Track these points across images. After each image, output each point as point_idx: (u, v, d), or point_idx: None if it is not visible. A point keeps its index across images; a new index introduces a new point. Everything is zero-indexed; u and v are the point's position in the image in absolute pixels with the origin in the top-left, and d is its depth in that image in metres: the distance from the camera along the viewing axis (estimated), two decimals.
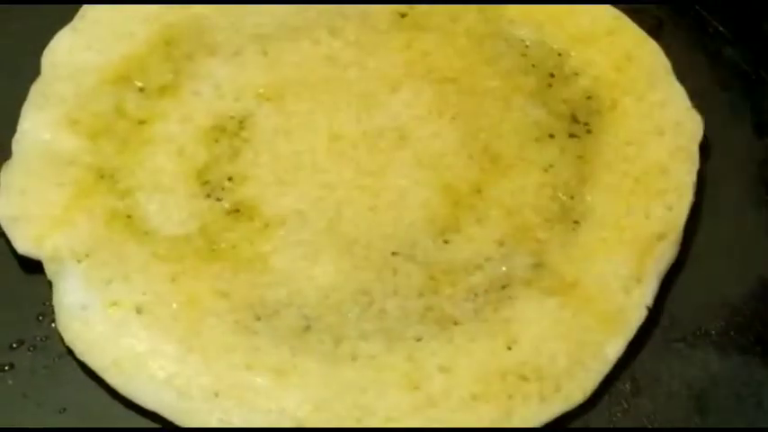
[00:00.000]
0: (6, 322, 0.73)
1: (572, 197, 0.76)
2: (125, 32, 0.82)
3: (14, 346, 0.72)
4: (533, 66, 0.82)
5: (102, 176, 0.76)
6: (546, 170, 0.77)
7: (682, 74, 0.82)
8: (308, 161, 0.77)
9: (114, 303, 0.71)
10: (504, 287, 0.73)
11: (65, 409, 0.70)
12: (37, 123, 0.78)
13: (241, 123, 0.79)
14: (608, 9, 0.85)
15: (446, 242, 0.74)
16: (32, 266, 0.74)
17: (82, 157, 0.77)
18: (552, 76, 0.82)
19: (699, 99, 0.81)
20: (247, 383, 0.69)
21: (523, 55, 0.82)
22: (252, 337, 0.70)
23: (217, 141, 0.78)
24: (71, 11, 0.83)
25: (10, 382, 0.71)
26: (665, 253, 0.74)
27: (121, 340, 0.70)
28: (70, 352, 0.71)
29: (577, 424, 0.70)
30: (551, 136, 0.79)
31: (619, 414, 0.70)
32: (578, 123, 0.80)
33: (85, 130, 0.78)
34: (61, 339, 0.71)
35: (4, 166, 0.77)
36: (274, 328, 0.71)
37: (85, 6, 0.84)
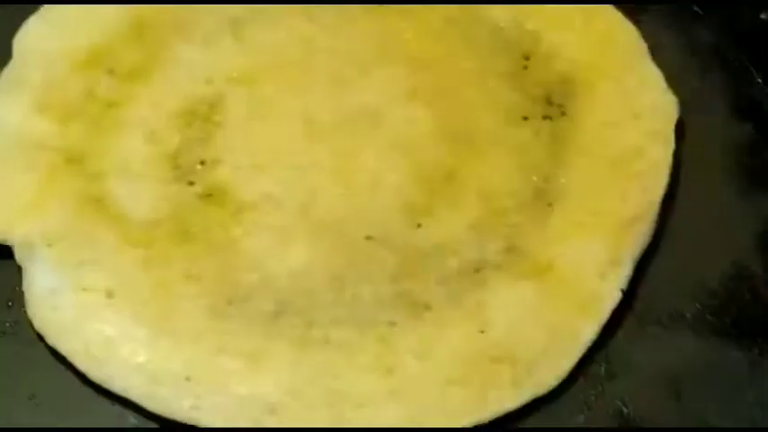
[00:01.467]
0: None
1: (546, 180, 0.76)
2: (96, 17, 0.81)
3: None
4: (509, 48, 0.81)
5: (72, 160, 0.75)
6: (520, 153, 0.77)
7: (660, 57, 0.82)
8: (280, 145, 0.77)
9: (85, 288, 0.71)
10: (477, 271, 0.72)
11: (35, 396, 0.69)
12: (7, 108, 0.77)
13: (213, 107, 0.78)
14: None
15: (419, 226, 0.74)
16: (2, 251, 0.73)
17: (52, 141, 0.76)
18: (527, 58, 0.81)
19: (677, 82, 0.80)
20: (219, 367, 0.68)
21: (499, 37, 0.82)
22: (224, 321, 0.70)
23: (189, 125, 0.78)
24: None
25: None
26: (640, 236, 0.74)
27: (92, 325, 0.70)
28: (40, 338, 0.70)
29: (552, 407, 0.69)
30: (526, 118, 0.78)
31: (593, 397, 0.70)
32: (553, 106, 0.79)
33: (56, 115, 0.77)
34: (31, 325, 0.71)
35: None
36: (246, 313, 0.70)
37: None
